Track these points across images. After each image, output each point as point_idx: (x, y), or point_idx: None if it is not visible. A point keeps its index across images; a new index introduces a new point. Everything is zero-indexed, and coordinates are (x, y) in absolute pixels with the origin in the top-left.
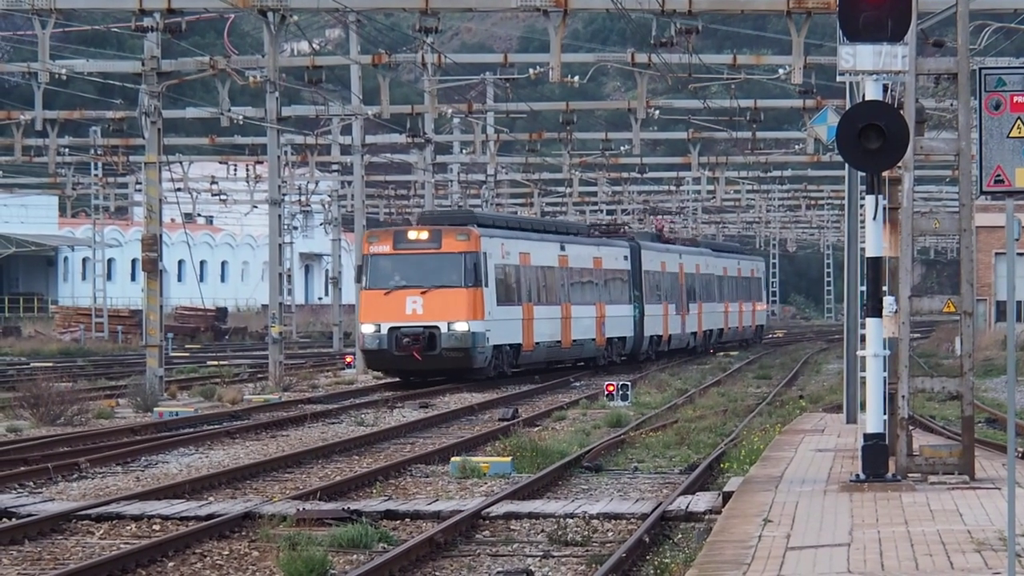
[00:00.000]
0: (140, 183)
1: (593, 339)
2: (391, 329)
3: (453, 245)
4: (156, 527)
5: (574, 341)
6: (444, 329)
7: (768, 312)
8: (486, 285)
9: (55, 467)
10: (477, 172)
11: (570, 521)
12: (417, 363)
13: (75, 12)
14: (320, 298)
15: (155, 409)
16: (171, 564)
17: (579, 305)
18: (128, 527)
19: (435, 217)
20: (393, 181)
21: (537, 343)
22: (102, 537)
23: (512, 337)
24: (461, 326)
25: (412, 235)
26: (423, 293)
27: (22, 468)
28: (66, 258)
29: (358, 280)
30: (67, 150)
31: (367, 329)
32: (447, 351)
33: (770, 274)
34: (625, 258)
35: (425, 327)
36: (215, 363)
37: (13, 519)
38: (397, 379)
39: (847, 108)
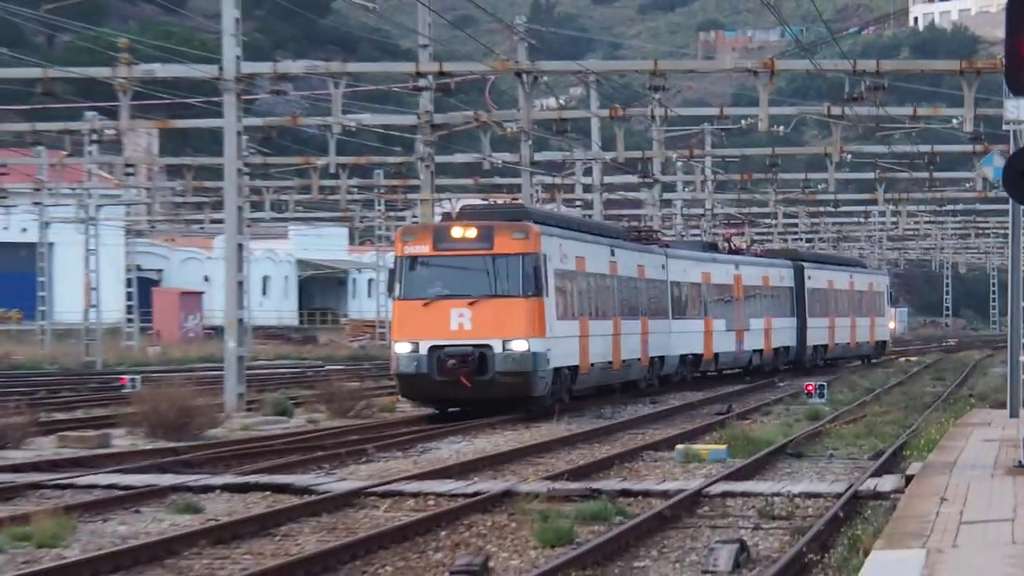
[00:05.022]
0: (416, 217)
1: (639, 359)
2: (432, 348)
3: (508, 245)
4: (431, 502)
5: (623, 362)
6: (498, 349)
7: (892, 327)
8: (547, 295)
9: (347, 452)
10: (696, 207)
11: (776, 499)
12: (464, 391)
13: (362, 74)
14: None
15: None
16: (443, 533)
17: (626, 319)
18: (407, 502)
19: (482, 212)
20: (627, 215)
21: (592, 364)
22: (386, 511)
23: (571, 358)
24: (519, 345)
25: (457, 232)
26: (471, 304)
27: (319, 453)
28: (354, 279)
29: (390, 289)
30: (355, 189)
31: (402, 349)
32: (502, 376)
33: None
34: (662, 267)
35: (475, 346)
36: None
37: (313, 495)
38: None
39: (1011, 152)
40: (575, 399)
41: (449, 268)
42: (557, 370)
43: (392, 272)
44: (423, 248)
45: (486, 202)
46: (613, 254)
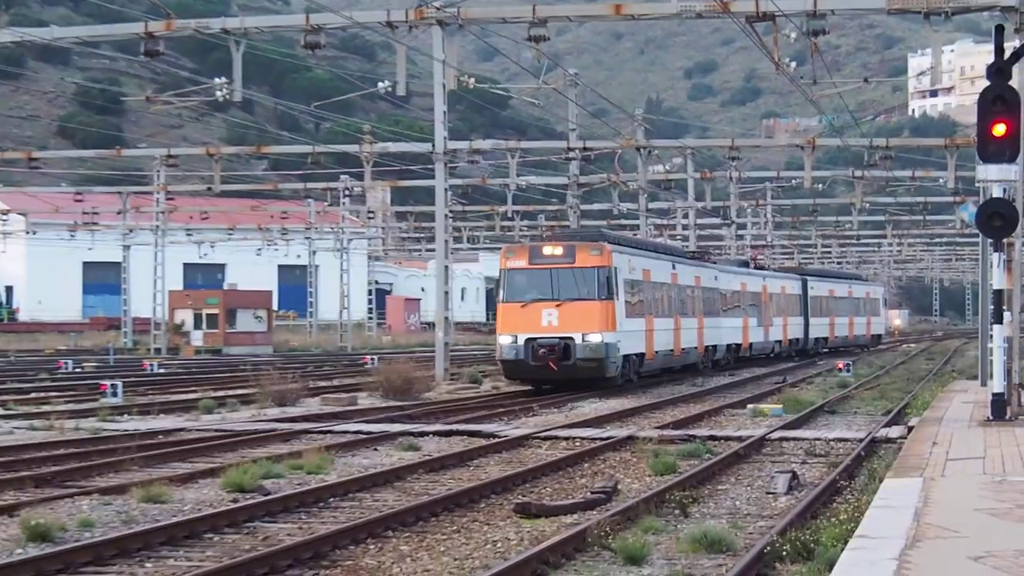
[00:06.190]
0: None
1: (695, 347)
2: (528, 340)
3: (587, 260)
4: (577, 443)
5: (683, 350)
6: (579, 340)
7: (897, 324)
8: (617, 298)
9: (519, 409)
10: (760, 240)
11: (817, 442)
12: (552, 373)
13: (530, 149)
14: None
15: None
16: (586, 464)
17: (685, 317)
18: (561, 443)
19: (568, 234)
20: (712, 245)
21: (656, 352)
22: (546, 449)
23: (637, 347)
24: (595, 337)
25: (547, 250)
26: (558, 306)
27: (500, 410)
28: None
29: (496, 294)
30: (525, 228)
31: (505, 340)
32: (581, 361)
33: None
34: (715, 278)
35: (560, 338)
36: None
37: (496, 439)
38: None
39: (981, 202)
40: (643, 378)
41: (541, 278)
42: (626, 356)
43: (498, 282)
44: (521, 263)
45: (571, 228)
46: (674, 268)
